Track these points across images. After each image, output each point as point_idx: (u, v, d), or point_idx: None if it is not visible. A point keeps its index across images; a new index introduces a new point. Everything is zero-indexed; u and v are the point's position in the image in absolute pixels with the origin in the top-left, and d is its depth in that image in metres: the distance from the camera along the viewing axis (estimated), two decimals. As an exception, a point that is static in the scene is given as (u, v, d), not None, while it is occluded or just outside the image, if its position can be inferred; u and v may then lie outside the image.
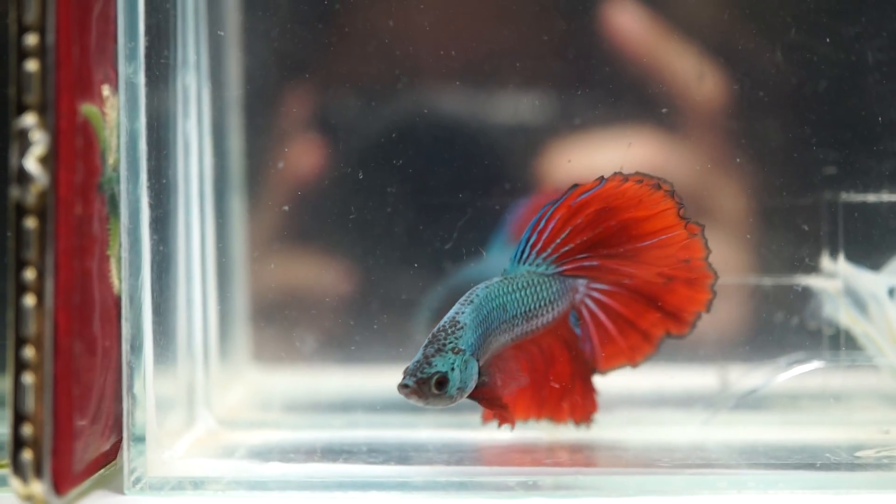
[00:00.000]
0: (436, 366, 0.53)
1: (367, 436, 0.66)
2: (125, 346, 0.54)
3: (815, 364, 0.68)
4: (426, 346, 0.54)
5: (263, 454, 0.61)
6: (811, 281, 0.69)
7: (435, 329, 0.54)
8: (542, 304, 0.57)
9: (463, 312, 0.55)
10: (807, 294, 0.69)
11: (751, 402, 0.68)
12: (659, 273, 0.59)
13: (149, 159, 0.56)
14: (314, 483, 0.56)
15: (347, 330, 0.74)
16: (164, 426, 0.59)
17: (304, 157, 0.72)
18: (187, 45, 0.65)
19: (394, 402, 0.69)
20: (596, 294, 0.60)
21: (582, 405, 0.62)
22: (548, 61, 0.71)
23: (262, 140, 0.73)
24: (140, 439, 0.55)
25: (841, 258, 0.68)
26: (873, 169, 0.68)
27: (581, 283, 0.59)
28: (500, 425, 0.58)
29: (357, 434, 0.67)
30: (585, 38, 0.70)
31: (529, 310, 0.57)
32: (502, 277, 0.57)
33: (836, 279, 0.68)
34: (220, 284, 0.70)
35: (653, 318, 0.61)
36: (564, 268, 0.58)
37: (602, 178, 0.56)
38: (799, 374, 0.68)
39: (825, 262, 0.69)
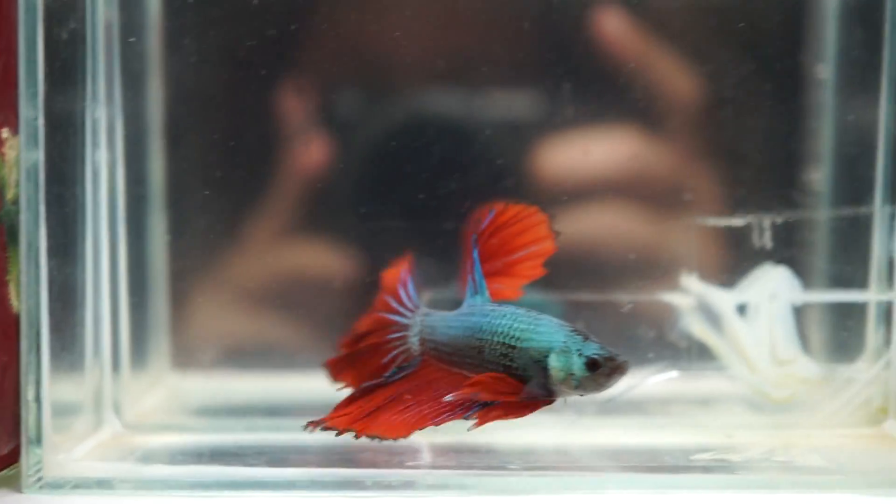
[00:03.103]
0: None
1: (260, 439, 0.72)
2: (22, 361, 0.61)
3: (672, 373, 0.75)
4: (588, 339, 0.60)
5: (158, 456, 0.68)
6: (669, 297, 0.75)
7: (571, 328, 0.60)
8: None
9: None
10: (665, 309, 0.76)
11: (615, 408, 0.75)
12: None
13: (49, 190, 0.63)
14: (193, 483, 0.62)
15: (264, 339, 0.80)
16: (68, 430, 0.66)
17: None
18: (97, 82, 0.71)
19: (295, 406, 0.77)
20: None
21: None
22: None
23: (182, 165, 0.79)
24: (36, 443, 0.61)
25: (694, 277, 0.75)
26: (725, 195, 0.75)
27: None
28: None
29: (253, 437, 0.73)
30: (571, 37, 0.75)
31: None
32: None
33: (689, 296, 0.75)
34: (136, 300, 0.76)
35: None
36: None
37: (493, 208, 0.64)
38: (657, 382, 0.75)
39: (683, 279, 0.75)
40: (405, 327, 0.66)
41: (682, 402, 0.76)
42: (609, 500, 0.59)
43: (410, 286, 0.67)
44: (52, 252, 0.63)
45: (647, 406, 0.76)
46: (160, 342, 0.80)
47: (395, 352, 0.66)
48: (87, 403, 0.70)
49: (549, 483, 0.62)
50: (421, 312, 0.66)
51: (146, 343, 0.79)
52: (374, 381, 0.65)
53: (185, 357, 0.80)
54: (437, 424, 0.61)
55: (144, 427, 0.74)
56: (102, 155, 0.72)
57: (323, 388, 0.76)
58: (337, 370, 0.68)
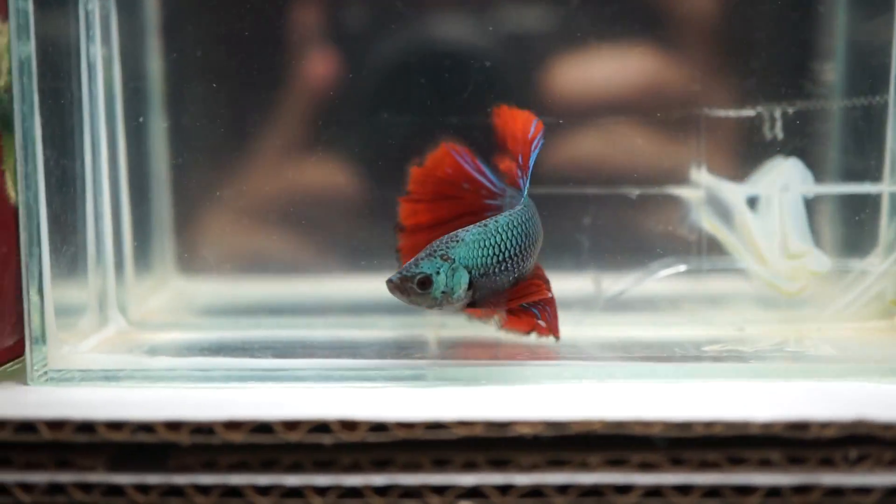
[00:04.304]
0: (422, 267, 0.59)
1: (265, 335, 0.72)
2: (23, 253, 0.60)
3: (680, 267, 0.74)
4: (430, 252, 0.60)
5: (165, 351, 0.67)
6: (679, 191, 0.74)
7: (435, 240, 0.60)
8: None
9: (468, 230, 0.60)
10: (677, 203, 0.74)
11: (624, 303, 0.74)
12: None
13: (43, 80, 0.61)
14: (201, 375, 0.62)
15: (272, 241, 0.79)
16: (73, 328, 0.66)
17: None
18: (89, -26, 0.69)
19: (300, 306, 0.76)
20: None
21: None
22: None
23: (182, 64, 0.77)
24: (39, 338, 0.61)
25: (703, 170, 0.73)
26: (735, 86, 0.73)
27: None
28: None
29: (259, 333, 0.73)
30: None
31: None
32: (523, 205, 0.62)
33: (698, 189, 0.73)
34: (137, 200, 0.75)
35: None
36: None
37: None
38: (666, 276, 0.74)
39: (693, 173, 0.74)
40: (498, 208, 0.66)
41: (693, 298, 0.75)
42: (617, 389, 0.59)
43: (487, 170, 0.66)
44: (48, 143, 0.62)
45: (653, 302, 0.75)
46: (164, 246, 0.79)
47: None
48: (91, 302, 0.70)
49: (558, 372, 0.61)
50: (509, 194, 0.66)
51: (150, 246, 0.78)
52: None
53: (189, 261, 0.79)
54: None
55: (150, 325, 0.74)
56: (97, 49, 0.70)
57: (325, 293, 0.76)
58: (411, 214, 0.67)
